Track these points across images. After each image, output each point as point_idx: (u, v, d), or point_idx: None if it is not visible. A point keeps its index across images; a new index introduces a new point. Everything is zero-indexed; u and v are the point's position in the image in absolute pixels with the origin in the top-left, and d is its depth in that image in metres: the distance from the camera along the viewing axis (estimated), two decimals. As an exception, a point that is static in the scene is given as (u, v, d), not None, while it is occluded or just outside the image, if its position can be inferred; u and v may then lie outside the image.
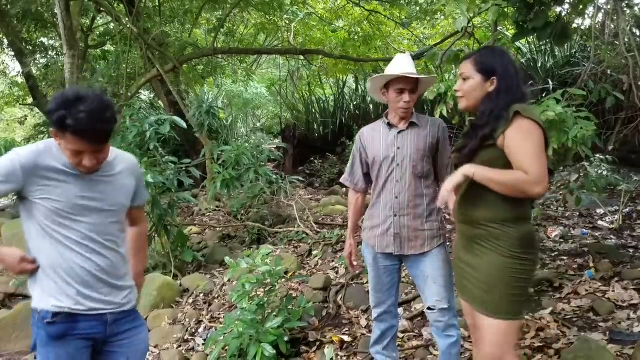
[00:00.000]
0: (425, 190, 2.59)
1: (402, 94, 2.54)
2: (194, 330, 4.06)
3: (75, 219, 1.87)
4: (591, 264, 4.04)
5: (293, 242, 5.72)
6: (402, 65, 2.56)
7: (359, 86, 12.80)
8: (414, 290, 3.96)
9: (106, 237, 1.95)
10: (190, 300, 4.60)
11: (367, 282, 4.21)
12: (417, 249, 2.56)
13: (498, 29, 4.18)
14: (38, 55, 11.91)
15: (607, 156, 4.93)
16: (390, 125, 2.64)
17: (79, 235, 1.88)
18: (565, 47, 7.93)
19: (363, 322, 3.71)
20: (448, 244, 2.66)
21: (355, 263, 2.85)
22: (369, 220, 2.71)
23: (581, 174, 4.69)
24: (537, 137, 1.88)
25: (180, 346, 3.87)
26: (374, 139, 2.68)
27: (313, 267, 4.86)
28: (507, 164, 1.92)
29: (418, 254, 2.57)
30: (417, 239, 2.56)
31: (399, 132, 2.60)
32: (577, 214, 5.73)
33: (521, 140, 1.87)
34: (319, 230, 5.83)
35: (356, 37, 10.74)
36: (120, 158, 2.05)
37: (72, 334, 1.88)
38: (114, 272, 1.97)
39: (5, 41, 11.01)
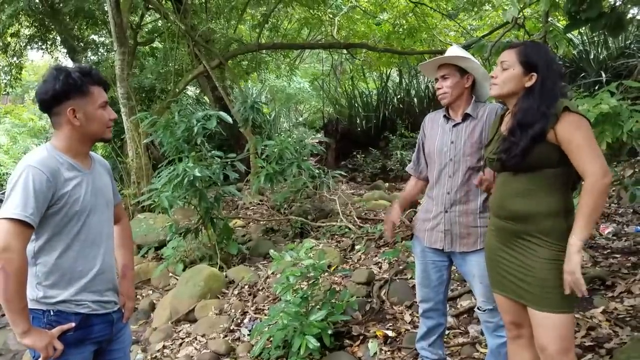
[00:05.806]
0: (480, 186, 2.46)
1: (438, 81, 2.52)
2: (239, 321, 4.14)
3: (86, 218, 1.89)
4: (646, 263, 3.89)
5: (336, 236, 5.73)
6: (446, 53, 2.51)
7: (403, 79, 12.66)
8: (459, 287, 3.91)
9: (109, 233, 2.02)
10: (236, 292, 4.68)
11: (411, 278, 4.19)
12: (470, 246, 2.46)
13: (549, 19, 4.05)
14: (89, 52, 12.29)
15: (665, 151, 4.73)
16: (446, 118, 2.57)
17: (90, 235, 1.91)
18: (620, 38, 7.64)
19: (407, 318, 3.69)
20: None
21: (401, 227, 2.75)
22: (422, 212, 2.66)
23: (636, 169, 4.52)
24: (589, 130, 1.93)
25: (226, 336, 3.96)
26: (432, 130, 2.62)
27: (356, 261, 4.85)
28: (559, 158, 1.94)
29: (467, 252, 2.48)
30: (470, 235, 2.46)
31: (454, 125, 2.51)
32: (631, 210, 5.51)
33: (578, 137, 1.89)
34: (361, 225, 5.82)
35: (401, 29, 10.58)
36: (94, 157, 2.05)
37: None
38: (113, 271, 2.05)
39: (58, 38, 11.41)
